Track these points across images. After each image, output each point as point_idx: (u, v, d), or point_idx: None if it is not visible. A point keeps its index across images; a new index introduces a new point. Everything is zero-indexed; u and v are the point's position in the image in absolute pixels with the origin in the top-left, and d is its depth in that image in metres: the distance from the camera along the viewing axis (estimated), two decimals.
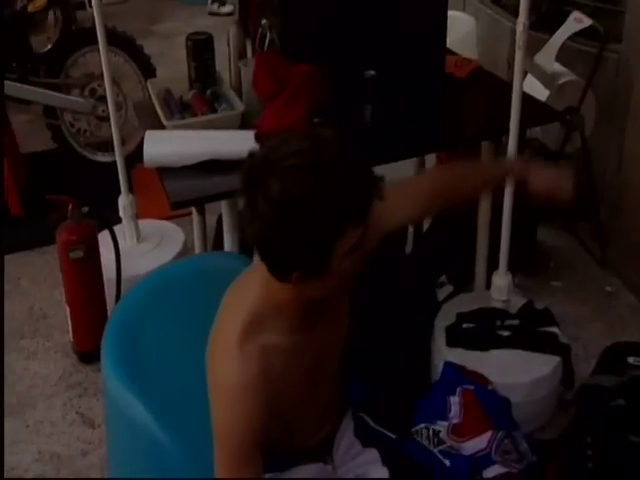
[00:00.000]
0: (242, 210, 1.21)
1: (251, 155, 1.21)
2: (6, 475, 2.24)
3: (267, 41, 2.16)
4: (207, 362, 1.35)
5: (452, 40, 2.62)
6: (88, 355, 2.57)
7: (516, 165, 1.90)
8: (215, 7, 5.97)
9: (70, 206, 2.46)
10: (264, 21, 2.17)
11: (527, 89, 2.40)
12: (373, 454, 1.59)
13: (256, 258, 1.44)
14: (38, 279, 3.07)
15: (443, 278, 2.70)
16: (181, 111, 2.23)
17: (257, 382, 1.29)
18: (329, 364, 1.51)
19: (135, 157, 3.33)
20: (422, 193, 1.59)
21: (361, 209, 1.19)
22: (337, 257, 1.20)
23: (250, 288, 1.36)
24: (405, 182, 1.66)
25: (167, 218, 3.00)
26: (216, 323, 1.37)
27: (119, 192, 2.80)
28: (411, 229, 2.92)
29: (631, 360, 1.99)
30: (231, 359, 1.29)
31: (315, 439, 1.57)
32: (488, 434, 1.84)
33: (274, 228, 1.16)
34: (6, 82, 3.40)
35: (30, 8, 3.57)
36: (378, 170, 1.91)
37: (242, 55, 2.31)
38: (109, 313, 2.48)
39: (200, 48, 2.29)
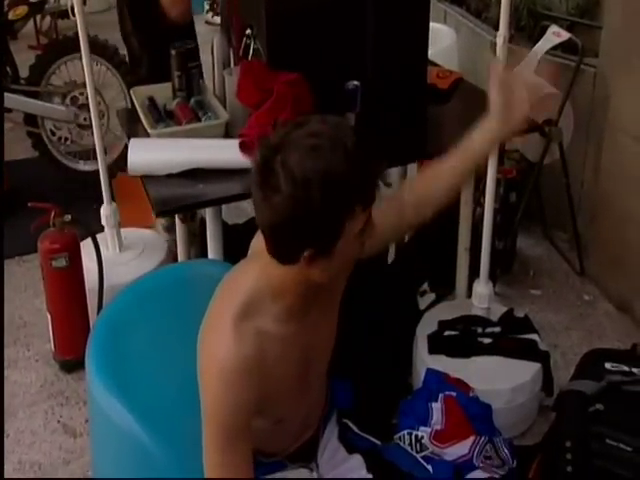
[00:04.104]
0: (255, 193, 1.22)
1: (266, 139, 1.23)
2: None
3: (251, 50, 2.17)
4: (200, 341, 1.34)
5: (434, 52, 2.66)
6: (69, 364, 2.56)
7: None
8: (210, 16, 5.97)
9: (53, 213, 2.45)
10: (249, 30, 2.19)
11: None
12: (358, 460, 1.60)
13: (251, 251, 1.46)
14: (19, 288, 3.04)
15: (425, 286, 2.73)
16: (165, 120, 2.23)
17: (252, 363, 1.29)
18: (320, 362, 1.53)
19: (117, 166, 3.34)
20: (398, 207, 1.58)
21: (370, 190, 1.25)
22: (345, 238, 1.24)
23: (248, 274, 1.37)
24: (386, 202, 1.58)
25: (150, 227, 3.00)
26: (211, 305, 1.38)
27: (101, 201, 2.80)
28: None
29: (608, 366, 2.02)
30: (226, 339, 1.29)
31: (298, 442, 1.58)
32: (470, 440, 1.85)
33: (293, 205, 1.18)
34: None
35: (11, 15, 3.55)
36: None
37: (226, 64, 2.32)
38: (91, 322, 2.47)
39: (185, 58, 2.30)
